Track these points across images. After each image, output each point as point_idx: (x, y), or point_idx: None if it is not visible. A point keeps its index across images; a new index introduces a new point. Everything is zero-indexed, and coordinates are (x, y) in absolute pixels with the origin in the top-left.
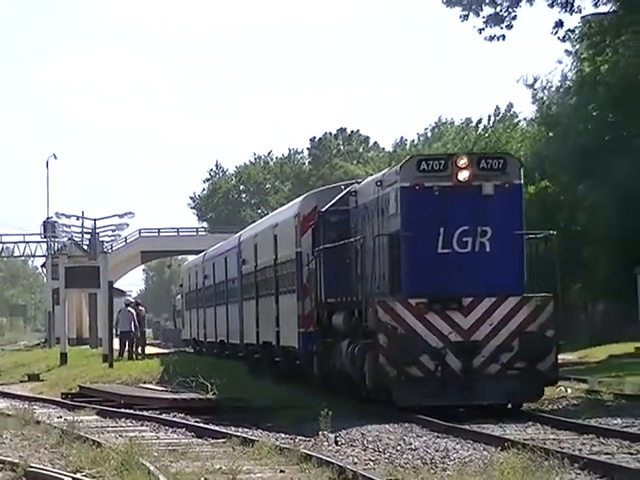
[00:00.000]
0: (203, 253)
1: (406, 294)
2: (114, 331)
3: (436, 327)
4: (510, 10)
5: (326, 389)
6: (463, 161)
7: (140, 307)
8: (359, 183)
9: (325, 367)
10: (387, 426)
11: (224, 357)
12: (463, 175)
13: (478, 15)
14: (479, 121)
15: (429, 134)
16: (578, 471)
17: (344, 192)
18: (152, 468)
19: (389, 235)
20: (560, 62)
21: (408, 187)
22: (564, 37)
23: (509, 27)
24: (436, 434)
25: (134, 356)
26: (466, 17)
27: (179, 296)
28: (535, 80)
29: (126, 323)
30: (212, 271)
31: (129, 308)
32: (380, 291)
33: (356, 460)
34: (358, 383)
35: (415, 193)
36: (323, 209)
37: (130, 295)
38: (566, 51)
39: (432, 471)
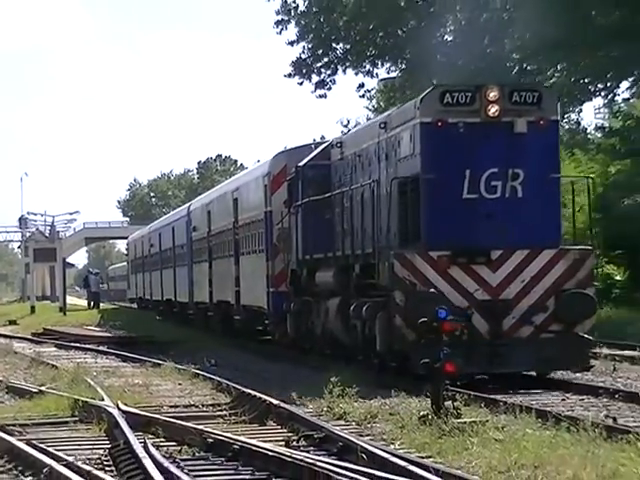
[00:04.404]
0: (149, 226)
1: (427, 246)
2: (85, 291)
3: (461, 284)
4: (330, 78)
5: (297, 348)
6: (493, 94)
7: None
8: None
9: (302, 327)
10: (253, 356)
11: (171, 313)
12: (493, 110)
13: (310, 81)
14: None
15: None
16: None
17: (324, 145)
18: (92, 383)
19: (403, 179)
20: (367, 108)
21: (430, 123)
22: (363, 95)
23: (329, 89)
24: (291, 362)
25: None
26: (301, 83)
27: (111, 267)
28: (348, 122)
29: (95, 286)
30: (158, 240)
31: (95, 277)
32: (386, 245)
33: (230, 377)
34: (352, 346)
35: (438, 130)
36: (302, 163)
37: (75, 266)
38: (365, 106)
39: (282, 385)
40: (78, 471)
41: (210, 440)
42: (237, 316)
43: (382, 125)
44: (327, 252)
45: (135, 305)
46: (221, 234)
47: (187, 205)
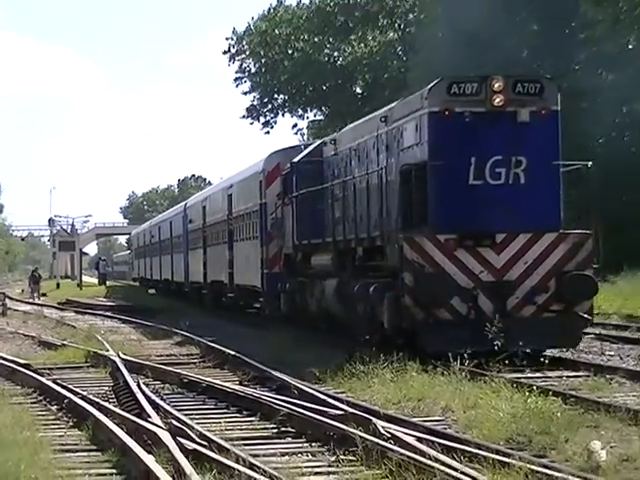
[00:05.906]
0: (149, 222)
1: (434, 229)
2: (96, 272)
3: (466, 265)
4: (273, 119)
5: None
6: (498, 84)
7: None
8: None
9: (295, 305)
10: (218, 320)
11: (168, 290)
12: (498, 100)
13: (259, 121)
14: None
15: None
16: None
17: (316, 144)
18: (100, 338)
19: (408, 166)
20: (299, 141)
21: (437, 112)
22: (296, 132)
23: (272, 127)
24: (252, 327)
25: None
26: (252, 123)
27: (115, 255)
28: None
29: (103, 268)
30: (158, 232)
31: (103, 262)
32: (394, 228)
33: (199, 334)
34: (351, 322)
35: (445, 119)
36: (296, 159)
37: (88, 254)
38: (298, 140)
39: (240, 341)
40: (90, 402)
41: (185, 380)
42: (230, 294)
43: (382, 119)
44: (325, 237)
45: (137, 283)
46: (215, 225)
47: (183, 203)
